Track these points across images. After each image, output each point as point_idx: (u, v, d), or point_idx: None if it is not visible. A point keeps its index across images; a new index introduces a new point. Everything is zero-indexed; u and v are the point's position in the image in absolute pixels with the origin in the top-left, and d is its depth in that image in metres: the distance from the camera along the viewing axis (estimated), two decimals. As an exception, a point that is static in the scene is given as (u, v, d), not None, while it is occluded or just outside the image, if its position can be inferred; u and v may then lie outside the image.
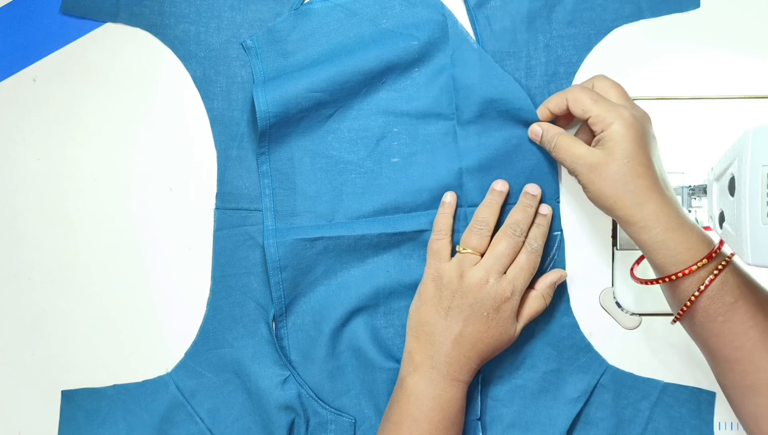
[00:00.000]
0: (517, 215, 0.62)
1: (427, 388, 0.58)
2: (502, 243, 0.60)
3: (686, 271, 0.54)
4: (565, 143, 0.59)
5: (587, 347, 0.64)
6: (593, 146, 0.58)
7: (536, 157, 0.65)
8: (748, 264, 0.55)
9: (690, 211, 0.64)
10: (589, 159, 0.56)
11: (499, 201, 0.63)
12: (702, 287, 0.53)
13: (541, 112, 0.62)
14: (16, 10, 0.67)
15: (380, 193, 0.65)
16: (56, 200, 0.66)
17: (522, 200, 0.63)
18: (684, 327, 0.57)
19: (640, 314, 0.64)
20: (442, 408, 0.58)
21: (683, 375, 0.64)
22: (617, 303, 0.64)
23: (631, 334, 0.64)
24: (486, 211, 0.62)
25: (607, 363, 0.64)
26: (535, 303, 0.62)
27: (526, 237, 0.61)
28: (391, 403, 0.60)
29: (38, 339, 0.65)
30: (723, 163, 0.60)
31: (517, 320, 0.60)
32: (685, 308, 0.54)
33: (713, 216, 0.63)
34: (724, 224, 0.60)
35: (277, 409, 0.62)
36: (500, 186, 0.63)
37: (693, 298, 0.54)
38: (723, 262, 0.54)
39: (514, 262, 0.60)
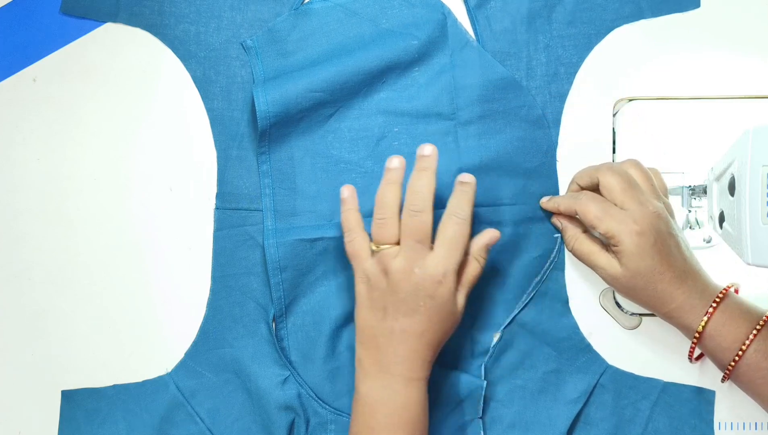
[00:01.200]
0: (415, 187, 0.56)
1: (380, 394, 0.55)
2: (414, 224, 0.55)
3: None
4: (586, 250, 0.60)
5: (587, 347, 0.64)
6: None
7: (537, 158, 0.65)
8: (748, 264, 0.55)
9: (690, 212, 0.64)
10: (608, 271, 0.58)
11: (397, 178, 0.57)
12: (736, 358, 0.55)
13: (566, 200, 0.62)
14: (16, 10, 0.67)
15: (380, 193, 0.65)
16: (56, 200, 0.66)
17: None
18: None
19: (640, 314, 0.64)
20: (399, 413, 0.55)
21: (683, 375, 0.64)
22: (617, 303, 0.64)
23: (631, 334, 0.64)
24: (386, 194, 0.57)
25: (607, 363, 0.64)
26: (470, 268, 0.57)
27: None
28: (352, 416, 0.57)
29: (38, 339, 0.65)
30: (723, 163, 0.60)
31: (457, 294, 0.57)
32: (725, 377, 0.57)
33: (713, 216, 0.63)
34: (724, 224, 0.60)
35: (277, 409, 0.62)
36: (396, 162, 0.58)
37: (728, 370, 0.56)
38: (755, 331, 0.55)
39: (440, 236, 0.56)
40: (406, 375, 0.55)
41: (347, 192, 0.59)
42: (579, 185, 0.62)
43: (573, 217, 0.62)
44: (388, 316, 0.56)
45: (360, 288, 0.57)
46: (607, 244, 0.58)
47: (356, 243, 0.58)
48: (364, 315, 0.57)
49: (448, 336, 0.58)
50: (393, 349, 0.55)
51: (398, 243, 0.56)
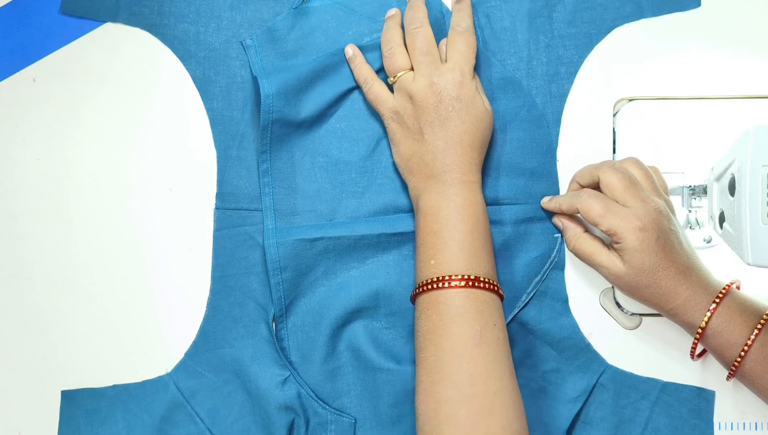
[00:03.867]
0: (410, 14, 0.62)
1: (438, 200, 0.58)
2: (418, 38, 0.61)
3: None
4: (588, 249, 0.60)
5: (587, 347, 0.64)
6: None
7: (537, 157, 0.65)
8: (748, 264, 0.55)
9: (690, 212, 0.64)
10: (611, 269, 0.58)
11: (396, 20, 0.63)
12: (742, 353, 0.55)
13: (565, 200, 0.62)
14: (16, 10, 0.67)
15: (380, 193, 0.65)
16: (56, 200, 0.66)
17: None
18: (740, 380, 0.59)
19: (640, 314, 0.64)
20: (458, 211, 0.58)
21: (683, 375, 0.64)
22: (617, 303, 0.64)
23: (631, 334, 0.64)
24: (388, 31, 0.63)
25: (607, 363, 0.64)
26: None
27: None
28: (416, 230, 0.60)
29: (38, 339, 0.65)
30: (723, 163, 0.60)
31: (478, 90, 0.61)
32: (731, 374, 0.57)
33: (713, 216, 0.63)
34: (724, 224, 0.60)
35: (277, 409, 0.62)
36: (393, 11, 0.64)
37: (734, 367, 0.56)
38: (759, 325, 0.55)
39: (450, 48, 0.61)
40: (459, 178, 0.59)
41: (351, 49, 0.64)
42: (579, 184, 0.62)
43: (574, 217, 0.62)
44: (426, 135, 0.59)
45: (392, 126, 0.62)
46: (609, 242, 0.59)
47: (375, 88, 0.62)
48: (404, 148, 0.61)
49: (488, 137, 0.61)
50: (440, 161, 0.59)
51: (411, 69, 0.61)
